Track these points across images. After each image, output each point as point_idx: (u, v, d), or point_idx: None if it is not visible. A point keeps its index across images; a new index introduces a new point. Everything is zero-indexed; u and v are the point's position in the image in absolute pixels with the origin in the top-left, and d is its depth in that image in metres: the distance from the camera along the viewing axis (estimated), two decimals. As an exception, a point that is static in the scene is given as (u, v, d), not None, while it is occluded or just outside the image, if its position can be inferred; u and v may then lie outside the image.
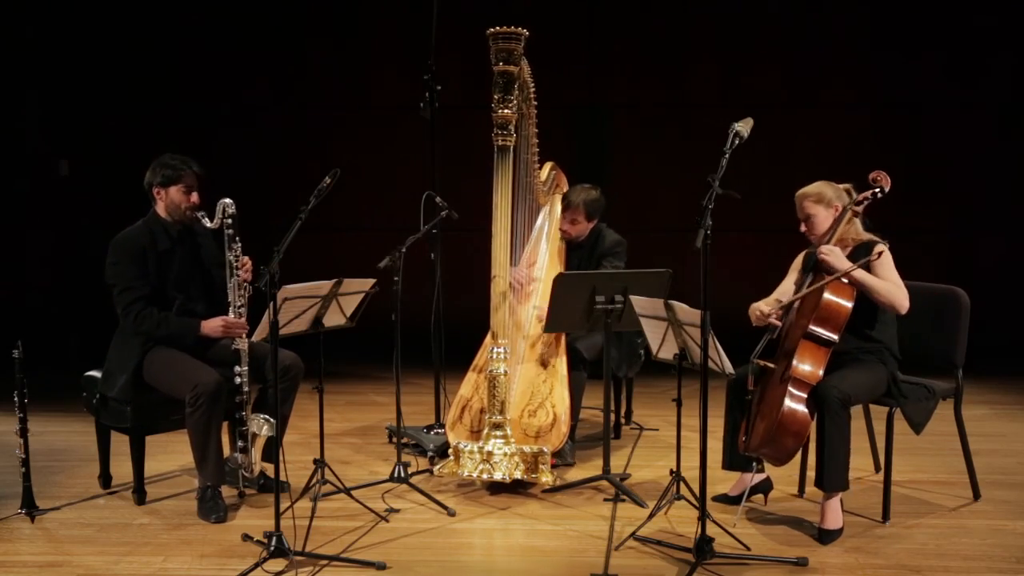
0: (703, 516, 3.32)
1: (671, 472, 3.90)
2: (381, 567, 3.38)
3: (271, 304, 3.37)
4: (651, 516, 3.76)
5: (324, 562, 3.42)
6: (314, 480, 3.98)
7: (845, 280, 3.64)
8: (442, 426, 4.88)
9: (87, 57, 7.71)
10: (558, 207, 4.86)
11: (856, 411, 3.74)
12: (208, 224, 3.93)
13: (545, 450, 4.18)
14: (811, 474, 4.09)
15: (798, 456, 3.95)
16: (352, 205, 7.66)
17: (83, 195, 7.71)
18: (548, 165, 4.89)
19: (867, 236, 3.81)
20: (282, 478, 3.55)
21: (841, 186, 3.84)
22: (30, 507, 3.93)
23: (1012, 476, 4.44)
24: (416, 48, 5.42)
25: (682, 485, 3.86)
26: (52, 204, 7.63)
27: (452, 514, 3.93)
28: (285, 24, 7.90)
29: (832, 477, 3.59)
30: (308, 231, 3.80)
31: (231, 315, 3.95)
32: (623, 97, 7.86)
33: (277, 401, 3.59)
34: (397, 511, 3.95)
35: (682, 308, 3.49)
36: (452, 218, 4.69)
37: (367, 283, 4.00)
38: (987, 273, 7.53)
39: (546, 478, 4.16)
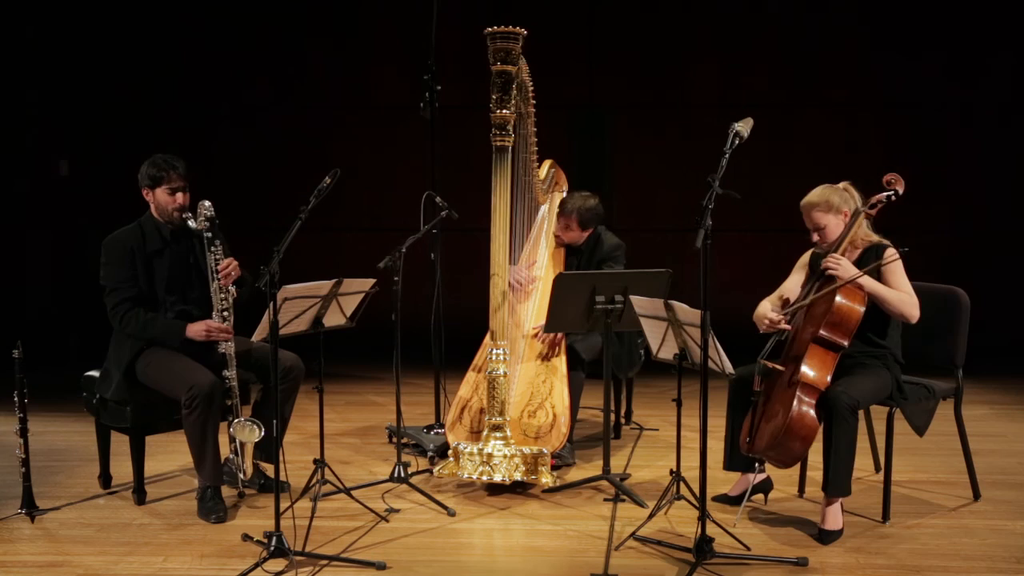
0: (703, 516, 3.32)
1: (671, 472, 3.89)
2: (381, 567, 3.38)
3: (271, 304, 3.36)
4: (651, 516, 3.76)
5: (324, 562, 3.42)
6: (314, 480, 3.98)
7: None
8: (442, 426, 4.87)
9: (87, 57, 7.71)
10: (557, 205, 4.86)
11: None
12: (193, 225, 3.93)
13: (545, 451, 4.18)
14: (811, 474, 4.10)
15: (798, 456, 3.95)
16: (352, 205, 7.65)
17: (83, 195, 7.71)
18: (547, 163, 4.88)
19: (876, 238, 3.79)
20: (282, 478, 3.55)
21: (840, 185, 3.81)
22: (30, 507, 3.93)
23: (1012, 476, 4.44)
24: (416, 48, 5.43)
25: (682, 485, 3.85)
26: (52, 204, 7.63)
27: (452, 514, 3.93)
28: (285, 24, 7.90)
29: (838, 483, 3.59)
30: (308, 231, 3.80)
31: (215, 319, 3.94)
32: (623, 97, 7.86)
33: (277, 401, 3.58)
34: (397, 511, 3.95)
35: (682, 308, 3.49)
36: (452, 218, 4.69)
37: (367, 283, 3.99)
38: (987, 273, 7.52)
39: (546, 479, 4.16)
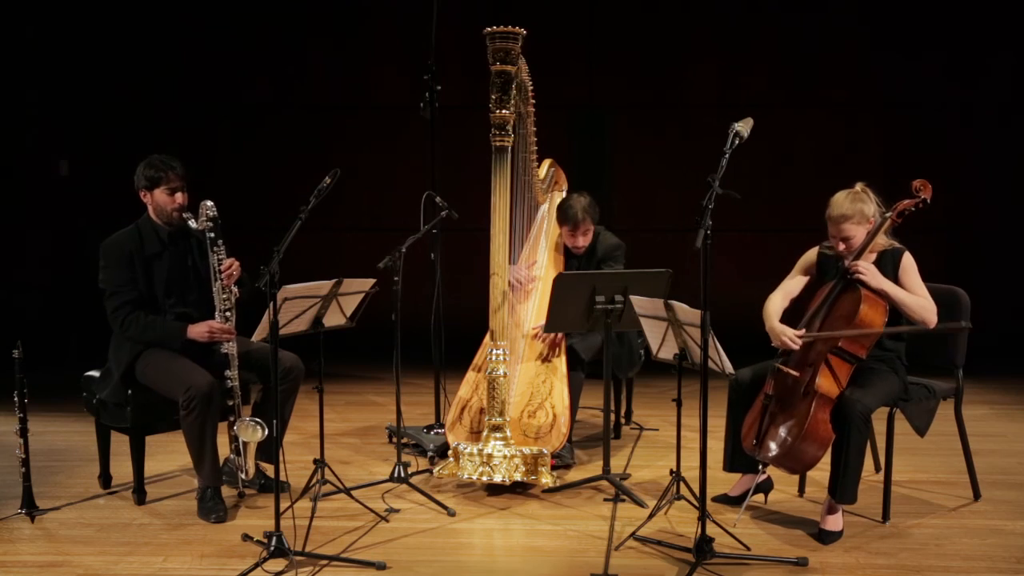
0: (703, 516, 3.32)
1: (671, 472, 3.89)
2: (381, 567, 3.38)
3: (271, 304, 3.36)
4: (651, 516, 3.76)
5: (324, 562, 3.42)
6: (314, 480, 3.98)
7: (876, 286, 3.60)
8: (442, 426, 4.87)
9: (87, 57, 7.71)
10: (557, 203, 4.86)
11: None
12: (194, 225, 3.92)
13: (545, 452, 4.18)
14: (811, 474, 4.10)
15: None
16: (352, 205, 7.66)
17: (83, 195, 7.71)
18: (547, 162, 4.88)
19: (891, 242, 3.77)
20: (282, 478, 3.55)
21: (858, 189, 3.73)
22: (30, 507, 3.93)
23: (1012, 476, 4.44)
24: (416, 48, 5.43)
25: (682, 485, 3.85)
26: (52, 204, 7.63)
27: (452, 514, 3.93)
28: (285, 24, 7.90)
29: (845, 491, 3.58)
30: (308, 231, 3.80)
31: (217, 319, 3.94)
32: (623, 97, 7.86)
33: (277, 402, 3.58)
34: (397, 511, 3.95)
35: (682, 308, 3.48)
36: (452, 218, 4.69)
37: (367, 283, 3.99)
38: (987, 273, 7.52)
39: (546, 479, 4.16)
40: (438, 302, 5.01)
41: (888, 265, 3.69)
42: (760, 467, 3.77)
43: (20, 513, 3.92)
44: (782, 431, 3.62)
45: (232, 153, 7.76)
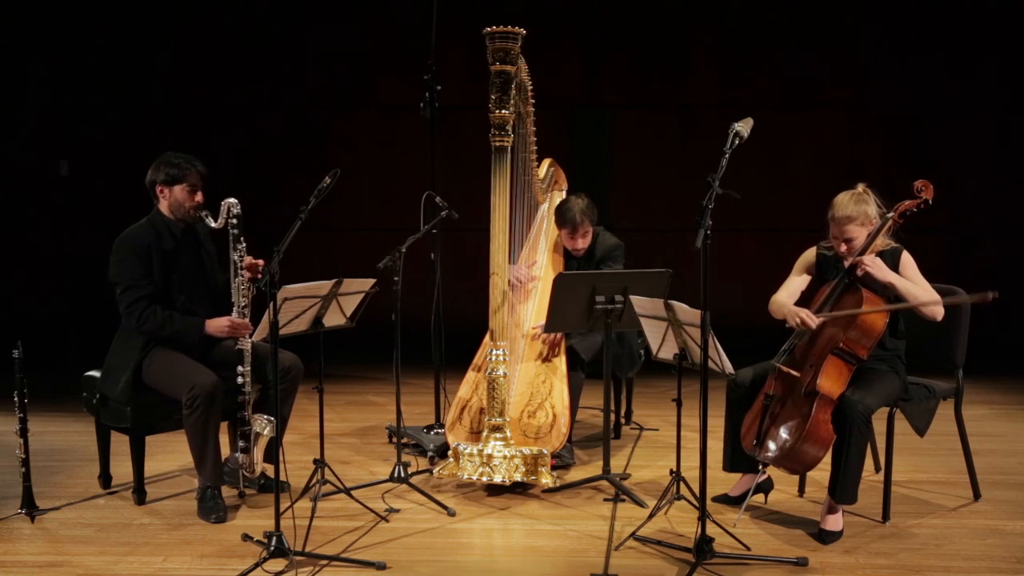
0: (703, 516, 3.32)
1: (671, 472, 3.89)
2: (381, 567, 3.38)
3: (271, 304, 3.36)
4: (651, 516, 3.76)
5: (324, 562, 3.42)
6: (314, 480, 3.98)
7: (884, 280, 3.59)
8: (442, 426, 4.87)
9: (87, 57, 7.71)
10: (557, 203, 4.86)
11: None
12: (212, 224, 3.93)
13: (545, 452, 4.18)
14: (812, 474, 4.10)
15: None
16: (352, 205, 7.66)
17: (83, 195, 7.71)
18: (547, 162, 4.89)
19: (887, 242, 3.76)
20: (282, 478, 3.55)
21: (859, 190, 3.72)
22: (30, 507, 3.93)
23: (1012, 476, 4.44)
24: (416, 48, 5.43)
25: (682, 485, 3.86)
26: (52, 204, 7.63)
27: (452, 514, 3.93)
28: (285, 24, 7.90)
29: (846, 491, 3.58)
30: (308, 231, 3.80)
31: (235, 315, 3.95)
32: (623, 96, 7.86)
33: (277, 401, 3.59)
34: (397, 511, 3.95)
35: (682, 308, 3.48)
36: (452, 218, 4.69)
37: (367, 283, 3.99)
38: (987, 273, 7.53)
39: (546, 480, 4.16)
40: (438, 302, 5.01)
41: (887, 264, 3.69)
42: (760, 467, 3.77)
43: (20, 513, 3.92)
44: (783, 431, 3.62)
45: (232, 153, 7.76)
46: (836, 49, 7.69)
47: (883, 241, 3.74)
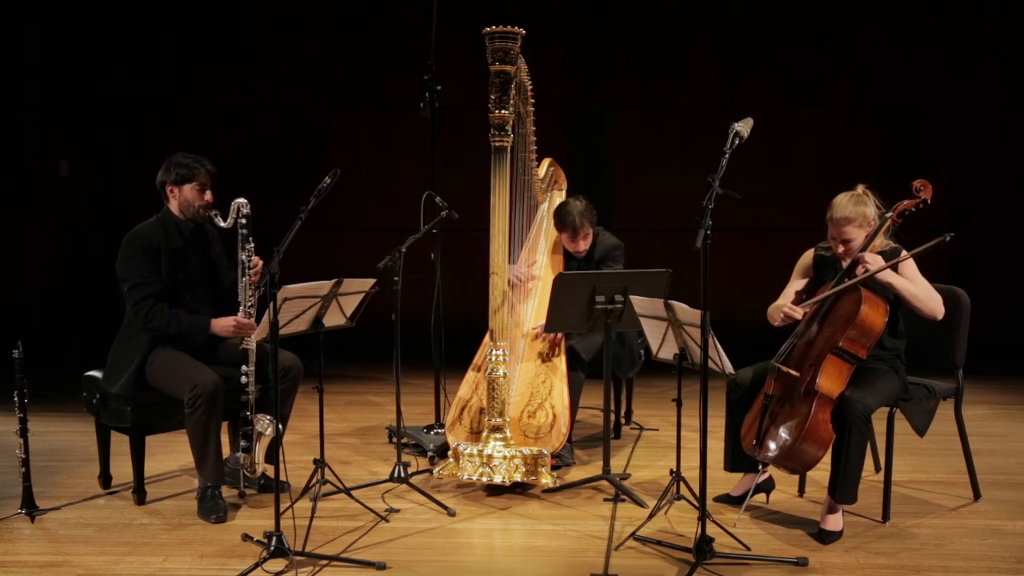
0: (703, 516, 3.32)
1: (671, 472, 3.89)
2: (381, 567, 3.38)
3: (271, 304, 3.37)
4: (651, 516, 3.76)
5: (324, 562, 3.42)
6: (314, 480, 3.98)
7: (883, 280, 3.59)
8: (442, 426, 4.88)
9: (87, 57, 7.71)
10: (557, 203, 4.86)
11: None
12: (222, 223, 3.94)
13: (545, 452, 4.18)
14: (812, 474, 4.10)
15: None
16: (352, 205, 7.66)
17: (83, 195, 7.71)
18: (546, 161, 4.89)
19: (887, 243, 3.76)
20: (282, 478, 3.55)
21: (859, 191, 3.72)
22: (30, 507, 3.93)
23: (1012, 476, 4.44)
24: (416, 48, 5.42)
25: (682, 485, 3.85)
26: (52, 204, 7.63)
27: (452, 514, 3.93)
28: (285, 24, 7.90)
29: (846, 491, 3.59)
30: (308, 231, 3.80)
31: (241, 315, 3.95)
32: (623, 96, 7.86)
33: (277, 401, 3.59)
34: (397, 511, 3.95)
35: (682, 308, 3.48)
36: (452, 218, 4.69)
37: (367, 283, 4.00)
38: (987, 273, 7.53)
39: (546, 480, 4.16)
40: (438, 302, 5.01)
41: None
42: (760, 467, 3.77)
43: (20, 513, 3.92)
44: (782, 431, 3.62)
45: (232, 153, 7.75)
46: (836, 48, 7.69)
47: (882, 241, 3.74)
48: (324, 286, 3.78)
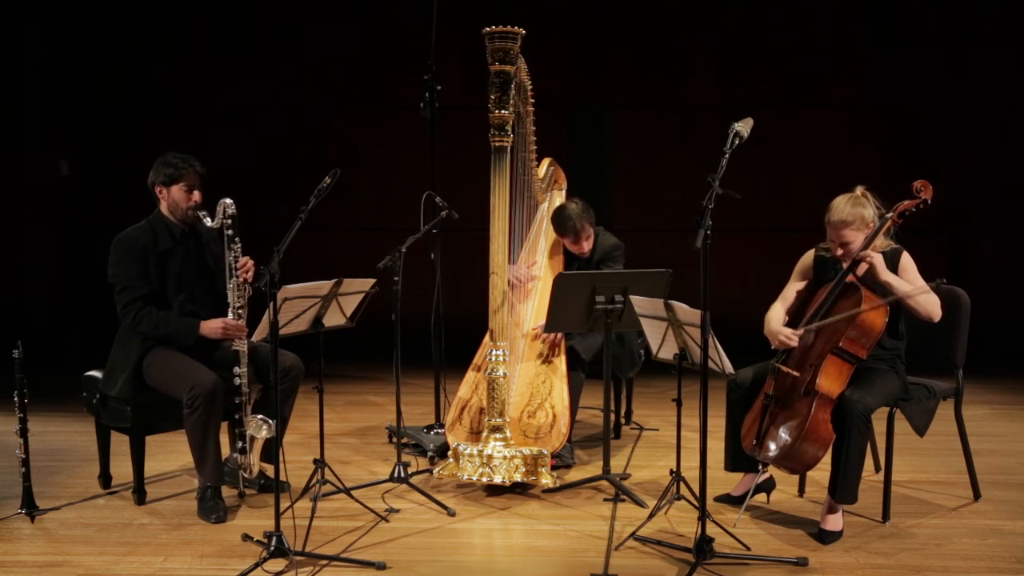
0: (703, 516, 3.32)
1: (671, 472, 3.89)
2: (381, 567, 3.38)
3: (271, 304, 3.36)
4: (651, 516, 3.76)
5: (324, 562, 3.42)
6: (314, 480, 3.98)
7: (882, 280, 3.59)
8: (442, 426, 4.88)
9: (87, 57, 7.71)
10: (557, 202, 4.86)
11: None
12: (209, 223, 3.93)
13: (545, 452, 4.18)
14: (812, 474, 4.10)
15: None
16: (352, 205, 7.66)
17: (83, 195, 7.71)
18: (546, 161, 4.89)
19: (887, 243, 3.75)
20: (282, 478, 3.55)
21: (858, 193, 3.72)
22: (30, 507, 3.93)
23: (1012, 476, 4.44)
24: (416, 48, 5.43)
25: (682, 485, 3.85)
26: (52, 204, 7.63)
27: (452, 514, 3.93)
28: (285, 24, 7.90)
29: (846, 491, 3.59)
30: (308, 231, 3.80)
31: (231, 316, 3.94)
32: (623, 96, 7.86)
33: (277, 402, 3.59)
34: (397, 511, 3.95)
35: (682, 308, 3.48)
36: (452, 218, 4.69)
37: (367, 283, 4.00)
38: (987, 273, 7.53)
39: (546, 480, 4.16)
40: (438, 302, 5.01)
41: (887, 265, 3.68)
42: (760, 467, 3.77)
43: (20, 513, 3.92)
44: (782, 431, 3.62)
45: (232, 153, 7.76)
46: (836, 49, 7.68)
47: (883, 242, 3.74)
48: (324, 286, 3.78)
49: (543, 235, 4.87)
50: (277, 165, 7.83)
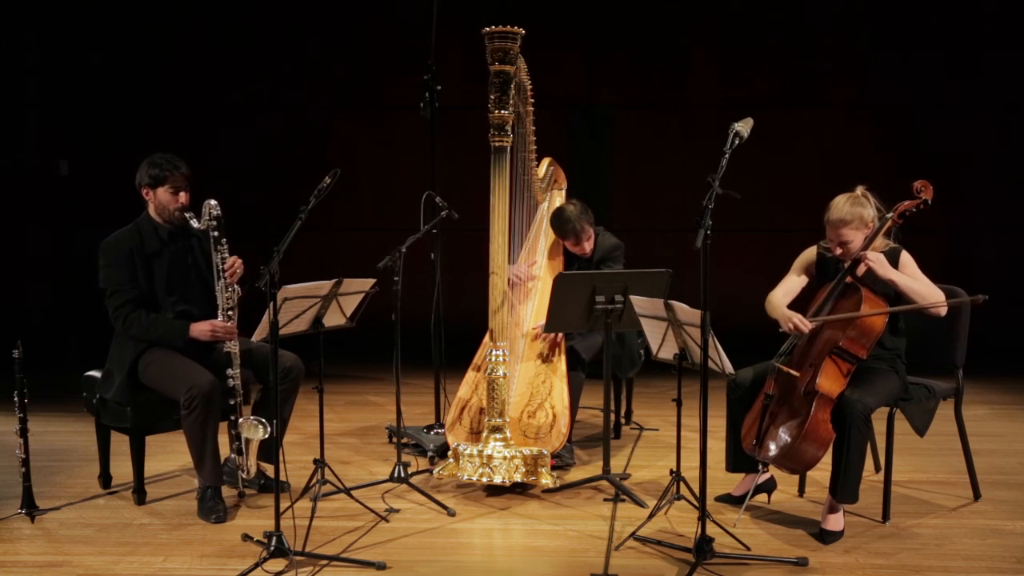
0: (703, 516, 3.32)
1: (671, 472, 3.89)
2: (381, 567, 3.38)
3: (271, 304, 3.36)
4: (651, 516, 3.76)
5: (324, 562, 3.42)
6: (314, 480, 3.98)
7: (885, 277, 3.58)
8: (442, 426, 4.88)
9: (87, 57, 7.71)
10: (556, 202, 4.86)
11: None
12: (196, 225, 3.92)
13: (545, 452, 4.18)
14: (812, 474, 4.10)
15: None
16: (352, 205, 7.66)
17: (83, 195, 7.71)
18: (546, 161, 4.89)
19: (887, 243, 3.75)
20: (282, 478, 3.55)
21: (858, 193, 3.72)
22: (30, 507, 3.93)
23: (1012, 476, 4.44)
24: (416, 48, 5.43)
25: (682, 485, 3.85)
26: (52, 204, 7.62)
27: (452, 514, 3.93)
28: (285, 24, 7.90)
29: (847, 490, 3.59)
30: (308, 231, 3.80)
31: (220, 318, 3.94)
32: (623, 96, 7.86)
33: (277, 402, 3.59)
34: (397, 511, 3.95)
35: (682, 308, 3.48)
36: (452, 218, 4.69)
37: (367, 283, 3.99)
38: (987, 273, 7.52)
39: (546, 480, 4.15)
40: (438, 302, 5.01)
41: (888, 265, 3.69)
42: (761, 467, 3.77)
43: (20, 513, 3.92)
44: (782, 431, 3.62)
45: (232, 153, 7.76)
46: (836, 48, 7.68)
47: (883, 242, 3.74)
48: (324, 286, 3.78)
49: (543, 235, 4.87)
50: (277, 165, 7.82)
